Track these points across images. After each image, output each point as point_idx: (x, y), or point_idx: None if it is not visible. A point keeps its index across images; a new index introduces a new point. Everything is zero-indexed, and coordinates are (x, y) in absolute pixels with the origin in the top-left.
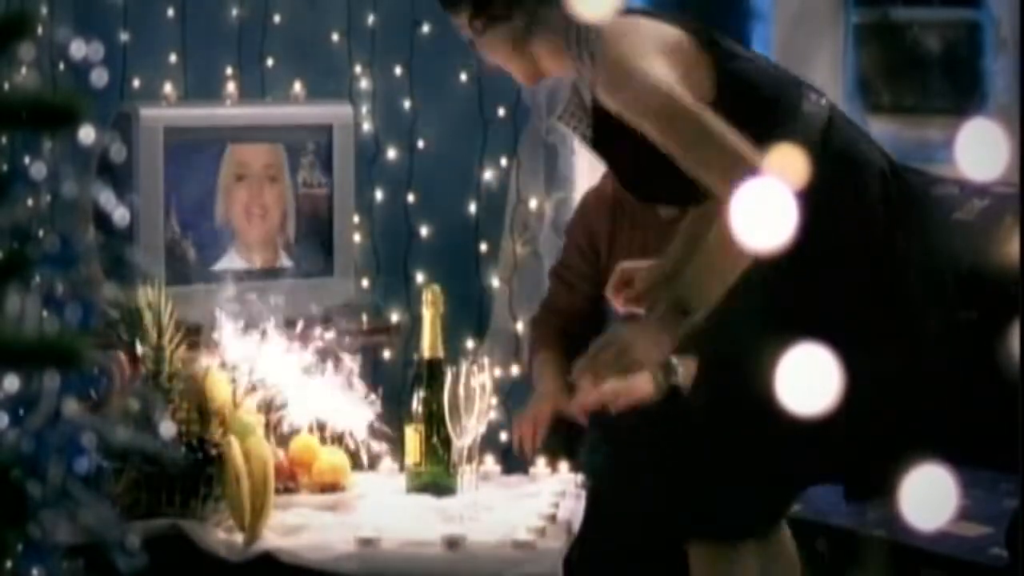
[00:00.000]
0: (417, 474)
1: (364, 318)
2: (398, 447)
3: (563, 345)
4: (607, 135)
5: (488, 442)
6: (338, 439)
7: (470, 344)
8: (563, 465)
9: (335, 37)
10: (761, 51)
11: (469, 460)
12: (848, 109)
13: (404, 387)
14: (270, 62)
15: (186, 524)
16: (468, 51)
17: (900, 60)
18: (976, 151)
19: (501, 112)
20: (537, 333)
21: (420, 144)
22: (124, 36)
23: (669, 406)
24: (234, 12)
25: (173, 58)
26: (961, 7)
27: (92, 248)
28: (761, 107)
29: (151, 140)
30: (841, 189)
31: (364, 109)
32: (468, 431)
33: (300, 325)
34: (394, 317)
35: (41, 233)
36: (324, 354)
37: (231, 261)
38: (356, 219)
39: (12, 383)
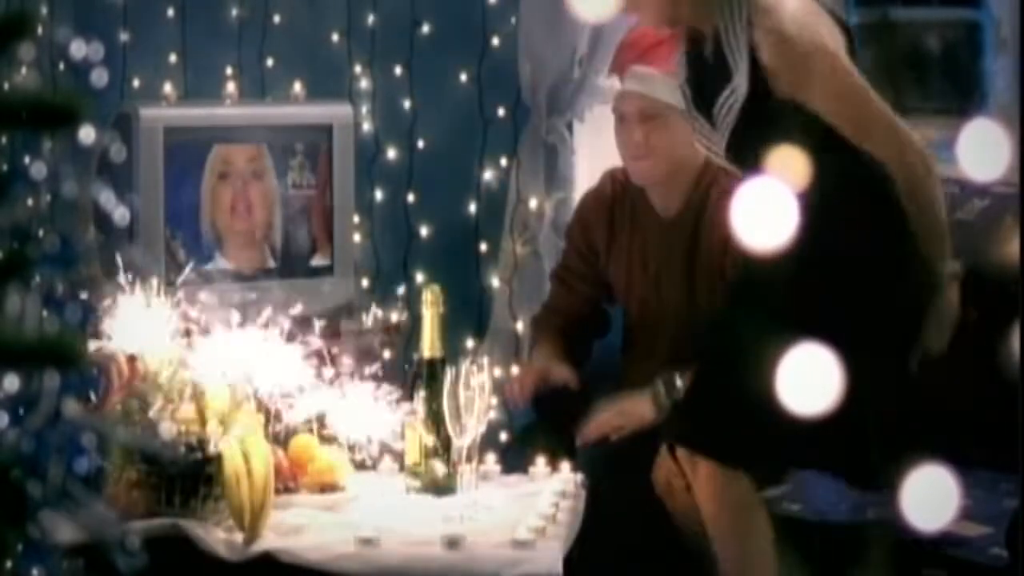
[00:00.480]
0: (417, 474)
1: (364, 318)
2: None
3: (563, 342)
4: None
5: (488, 442)
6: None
7: (470, 344)
8: (563, 465)
9: (335, 37)
10: None
11: (469, 460)
12: None
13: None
14: (270, 62)
15: (186, 524)
16: (468, 51)
17: (900, 60)
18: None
19: (501, 112)
20: (538, 331)
21: (420, 144)
22: (124, 36)
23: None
24: (234, 12)
25: (173, 58)
26: (961, 7)
27: (92, 248)
28: None
29: (151, 140)
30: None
31: (364, 109)
32: (468, 431)
33: (300, 326)
34: (394, 317)
35: (41, 233)
36: (324, 354)
37: (228, 261)
38: (356, 219)
39: (12, 383)
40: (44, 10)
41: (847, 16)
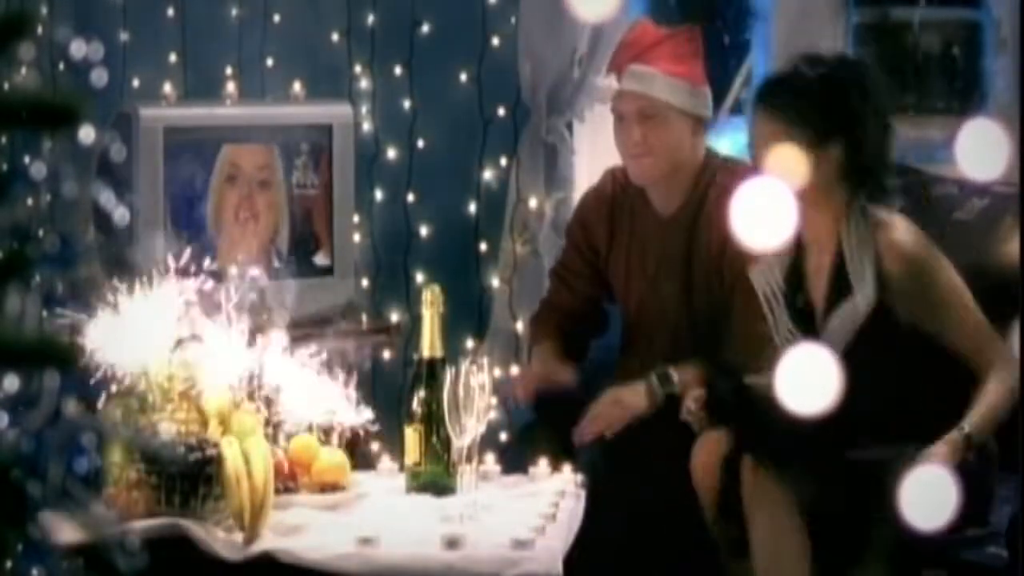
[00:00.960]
0: (417, 474)
1: (364, 318)
2: (397, 447)
3: (562, 339)
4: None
5: (488, 442)
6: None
7: (470, 344)
8: (563, 465)
9: (335, 37)
10: (761, 51)
11: (469, 460)
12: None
13: (404, 387)
14: (270, 62)
15: (186, 524)
16: (468, 51)
17: (900, 60)
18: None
19: (501, 112)
20: (536, 328)
21: (420, 144)
22: (124, 36)
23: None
24: (234, 12)
25: (173, 58)
26: (961, 7)
27: (92, 248)
28: None
29: (151, 140)
30: None
31: (364, 109)
32: (468, 431)
33: (299, 325)
34: (394, 317)
35: (41, 233)
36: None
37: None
38: (356, 219)
39: (12, 383)
40: (44, 10)
41: (847, 16)
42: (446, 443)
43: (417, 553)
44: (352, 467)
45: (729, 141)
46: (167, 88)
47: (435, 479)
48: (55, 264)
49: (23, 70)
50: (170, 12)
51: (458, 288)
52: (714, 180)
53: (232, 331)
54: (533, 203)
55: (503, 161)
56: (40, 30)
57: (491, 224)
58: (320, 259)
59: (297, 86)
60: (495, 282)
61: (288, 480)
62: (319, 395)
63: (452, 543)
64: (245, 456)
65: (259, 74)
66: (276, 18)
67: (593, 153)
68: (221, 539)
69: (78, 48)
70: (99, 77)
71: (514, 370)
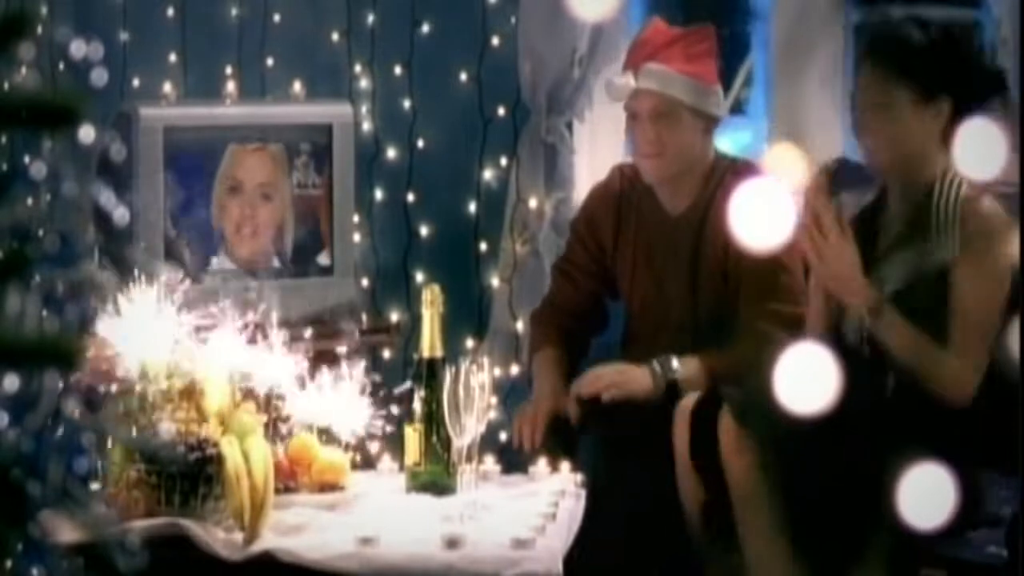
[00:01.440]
0: (417, 474)
1: (364, 318)
2: (397, 447)
3: (564, 342)
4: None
5: (488, 442)
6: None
7: (470, 344)
8: (563, 465)
9: (335, 37)
10: (761, 51)
11: (469, 460)
12: (848, 109)
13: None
14: (270, 62)
15: (186, 524)
16: (468, 51)
17: None
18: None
19: (501, 112)
20: (538, 330)
21: (420, 144)
22: (124, 36)
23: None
24: (234, 12)
25: (173, 58)
26: (961, 6)
27: (92, 248)
28: None
29: (151, 140)
30: None
31: (364, 109)
32: (467, 431)
33: (300, 325)
34: (394, 317)
35: (41, 233)
36: (323, 354)
37: (226, 262)
38: (356, 219)
39: (12, 383)
40: (44, 10)
41: (847, 16)
42: (446, 443)
43: (417, 553)
44: (352, 467)
45: (729, 141)
46: (167, 88)
47: (435, 479)
48: (55, 264)
49: (23, 70)
50: (170, 12)
51: (458, 288)
52: (723, 180)
53: (232, 331)
54: (533, 203)
55: (503, 161)
56: (40, 30)
57: (491, 224)
58: (320, 259)
59: (297, 86)
60: (495, 282)
61: (288, 480)
62: (319, 395)
63: (452, 543)
64: (245, 456)
65: (259, 74)
66: (276, 18)
67: (593, 153)
68: (221, 539)
69: (78, 48)
70: (99, 77)
71: (515, 369)
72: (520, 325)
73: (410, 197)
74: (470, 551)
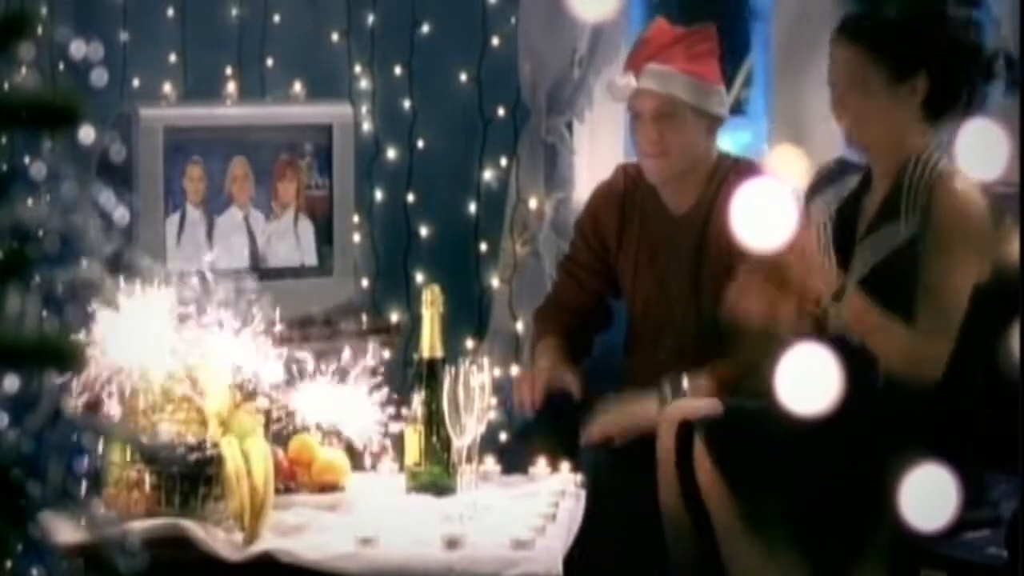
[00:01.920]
0: (417, 474)
1: (364, 318)
2: (397, 447)
3: (566, 339)
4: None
5: (488, 442)
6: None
7: (470, 344)
8: (563, 465)
9: (335, 37)
10: (761, 51)
11: (469, 460)
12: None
13: (404, 387)
14: (270, 62)
15: (186, 524)
16: (468, 51)
17: None
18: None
19: (501, 112)
20: (541, 324)
21: (420, 144)
22: (124, 36)
23: None
24: (234, 12)
25: (173, 58)
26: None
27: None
28: None
29: (151, 140)
30: None
31: (364, 109)
32: (467, 431)
33: (299, 325)
34: (394, 317)
35: (41, 233)
36: (323, 354)
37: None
38: (356, 219)
39: (12, 383)
40: (44, 10)
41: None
42: (446, 443)
43: (417, 553)
44: (352, 467)
45: (730, 141)
46: (167, 88)
47: (435, 479)
48: (55, 264)
49: (23, 70)
50: (170, 12)
51: (458, 288)
52: (726, 180)
53: (232, 331)
54: (533, 203)
55: (503, 161)
56: (40, 30)
57: (491, 224)
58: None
59: (297, 86)
60: (495, 282)
61: (288, 480)
62: (319, 396)
63: (452, 543)
64: (245, 456)
65: (259, 74)
66: (276, 18)
67: (593, 153)
68: (221, 539)
69: (78, 48)
70: (99, 77)
71: (515, 370)
72: (520, 325)
73: (410, 197)
74: (470, 551)
